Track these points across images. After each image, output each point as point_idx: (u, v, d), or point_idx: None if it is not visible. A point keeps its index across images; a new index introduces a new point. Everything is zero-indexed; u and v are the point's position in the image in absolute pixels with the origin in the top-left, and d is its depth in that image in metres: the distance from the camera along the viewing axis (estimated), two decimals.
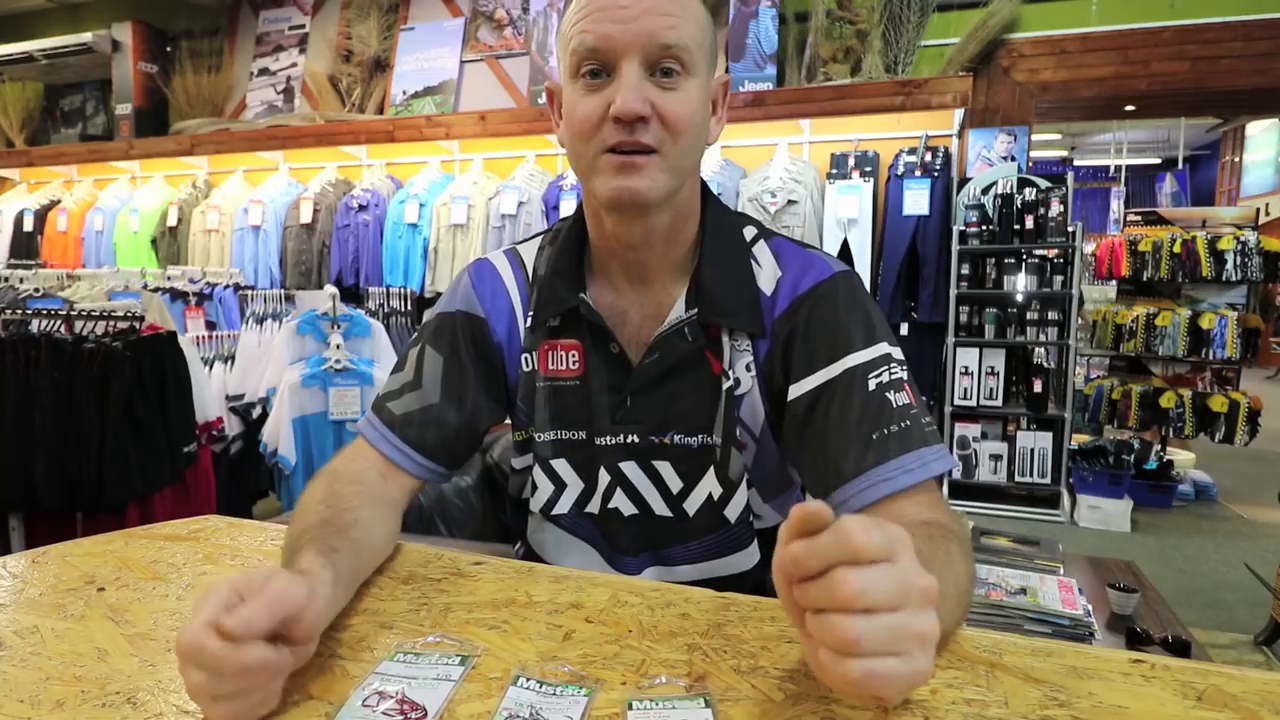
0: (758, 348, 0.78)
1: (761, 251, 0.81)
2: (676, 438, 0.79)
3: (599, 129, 0.70)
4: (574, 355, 0.81)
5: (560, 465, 0.83)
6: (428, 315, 0.91)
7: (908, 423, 0.69)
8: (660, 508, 0.81)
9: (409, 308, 3.66)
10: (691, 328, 0.77)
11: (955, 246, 3.52)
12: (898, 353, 0.73)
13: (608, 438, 0.81)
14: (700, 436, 0.79)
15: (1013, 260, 3.60)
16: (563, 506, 0.84)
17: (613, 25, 0.68)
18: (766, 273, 0.79)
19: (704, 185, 0.82)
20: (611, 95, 0.68)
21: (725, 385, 0.78)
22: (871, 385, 0.70)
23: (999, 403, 3.62)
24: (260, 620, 0.46)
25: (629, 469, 0.81)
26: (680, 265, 0.80)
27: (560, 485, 0.83)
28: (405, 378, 0.84)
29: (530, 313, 0.84)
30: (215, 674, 0.44)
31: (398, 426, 0.81)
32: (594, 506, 0.83)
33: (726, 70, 3.83)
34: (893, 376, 0.71)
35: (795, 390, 0.74)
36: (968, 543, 0.63)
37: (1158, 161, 10.94)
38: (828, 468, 0.71)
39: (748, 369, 0.78)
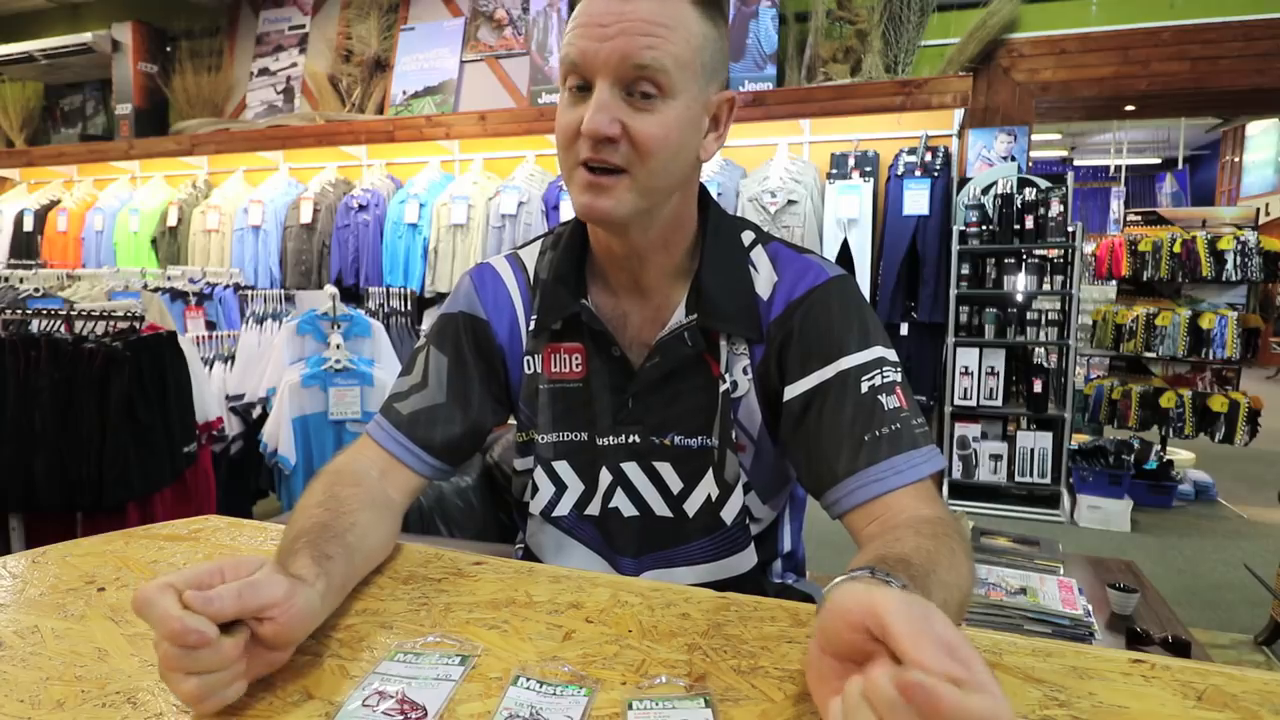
0: (754, 352, 0.79)
1: (759, 256, 0.81)
2: (677, 439, 0.80)
3: (575, 141, 0.70)
4: (577, 358, 0.82)
5: (562, 467, 0.84)
6: (429, 318, 0.91)
7: (898, 425, 0.70)
8: (661, 508, 0.81)
9: (409, 308, 3.66)
10: (691, 332, 0.78)
11: (955, 246, 3.52)
12: (892, 355, 0.74)
13: (610, 438, 0.81)
14: (700, 438, 0.79)
15: (1013, 260, 3.60)
16: (563, 508, 0.84)
17: (591, 42, 0.67)
18: (763, 277, 0.80)
19: (704, 190, 0.83)
20: (585, 111, 0.69)
21: (722, 389, 0.78)
22: (864, 388, 0.71)
23: (999, 403, 3.62)
24: (224, 600, 0.46)
25: (630, 469, 0.81)
26: (680, 270, 0.81)
27: (561, 487, 0.84)
28: (413, 379, 0.85)
29: (532, 316, 0.84)
30: (159, 635, 0.45)
31: (405, 425, 0.81)
32: (594, 508, 0.83)
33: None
34: (885, 380, 0.72)
35: (790, 392, 0.75)
36: (967, 540, 0.64)
37: (1158, 161, 10.94)
38: (821, 468, 0.72)
39: (744, 372, 0.79)
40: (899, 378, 0.73)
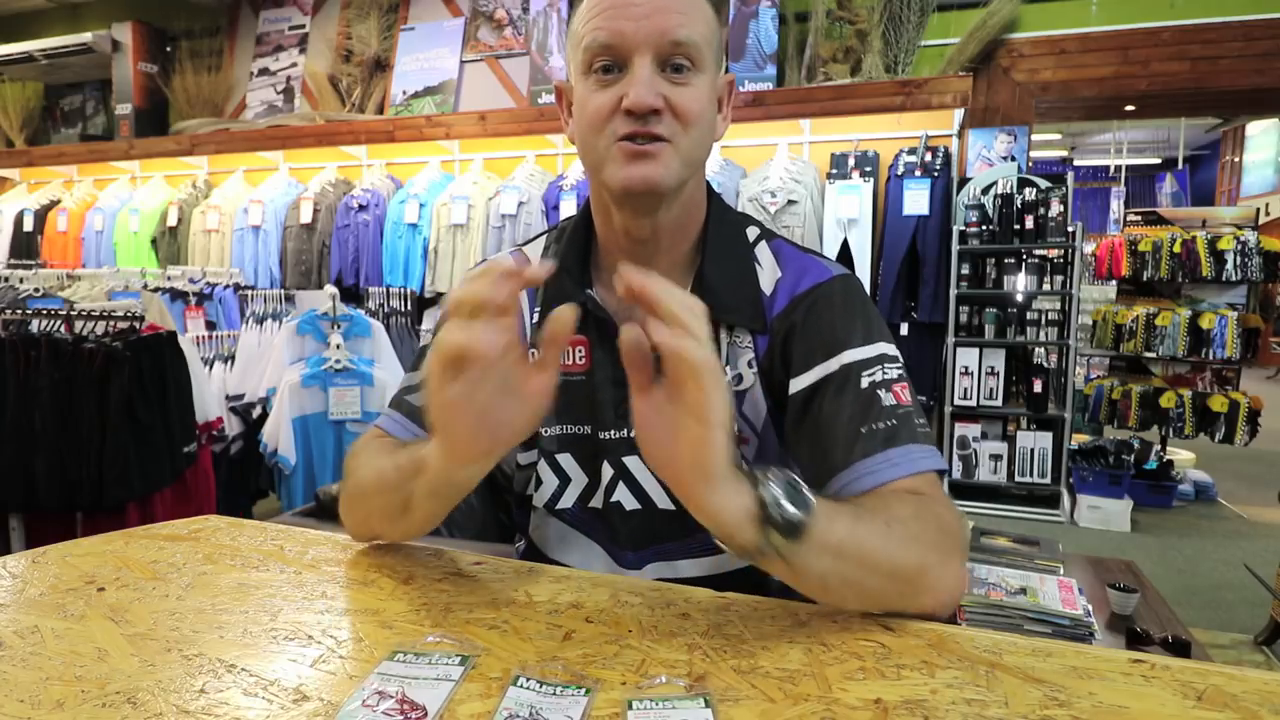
0: (757, 344, 0.79)
1: (763, 252, 0.82)
2: None
3: (610, 121, 0.71)
4: (580, 351, 0.82)
5: (565, 460, 0.84)
6: (429, 318, 0.91)
7: (894, 421, 0.70)
8: (663, 501, 0.81)
9: (409, 308, 3.66)
10: None
11: (955, 246, 3.52)
12: (894, 352, 0.75)
13: (612, 432, 0.81)
14: None
15: (1013, 260, 3.60)
16: (567, 501, 0.84)
17: (626, 22, 0.69)
18: (767, 273, 0.81)
19: (706, 183, 0.83)
20: (624, 89, 0.70)
21: None
22: (864, 383, 0.72)
23: (999, 403, 3.62)
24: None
25: (632, 463, 0.81)
26: (685, 261, 0.81)
27: (565, 480, 0.84)
28: (424, 374, 0.84)
29: (536, 308, 0.84)
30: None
31: (419, 416, 0.81)
32: (598, 501, 0.83)
33: (726, 70, 3.83)
34: (886, 376, 0.72)
35: (794, 385, 0.76)
36: (940, 524, 0.63)
37: (1158, 161, 10.95)
38: (819, 462, 0.72)
39: (749, 365, 0.79)
40: (899, 374, 0.73)
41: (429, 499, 0.67)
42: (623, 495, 0.82)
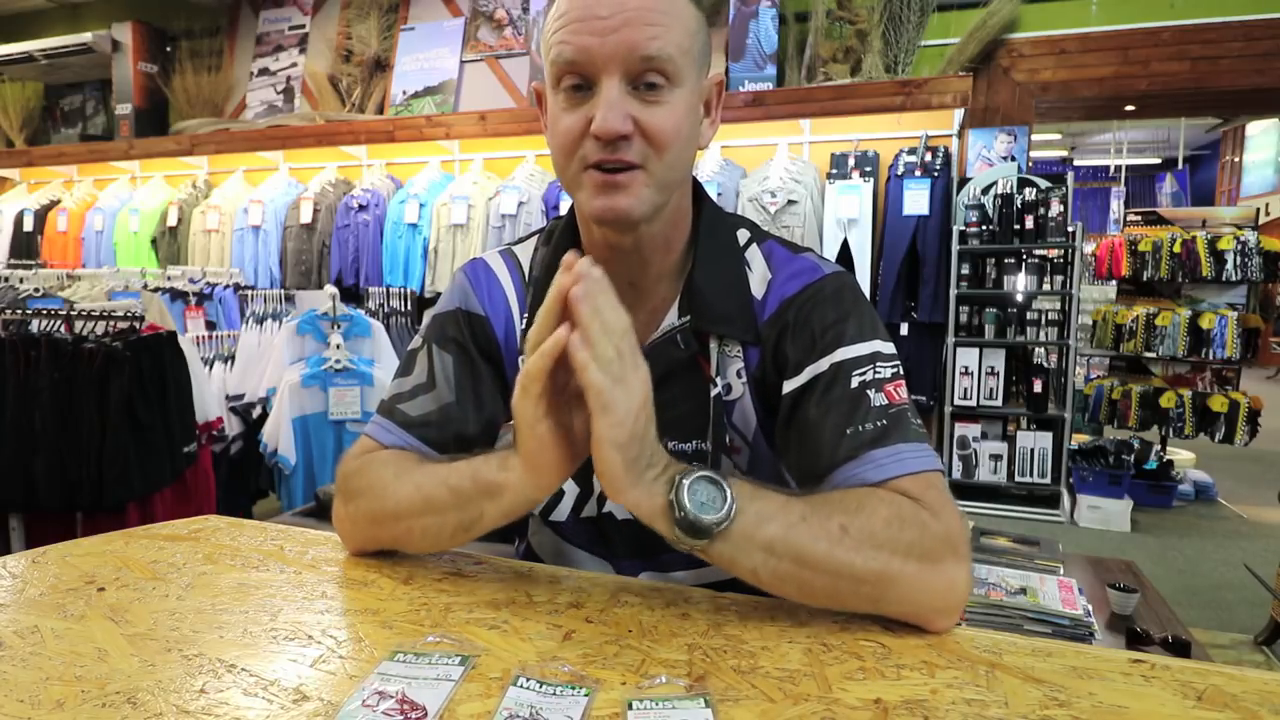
0: (748, 354, 0.77)
1: (754, 255, 0.80)
2: (671, 444, 0.78)
3: (580, 144, 0.68)
4: None
5: None
6: (427, 318, 0.89)
7: (885, 421, 0.67)
8: None
9: (409, 308, 3.66)
10: (684, 335, 0.76)
11: (955, 246, 3.52)
12: (888, 350, 0.72)
13: None
14: (694, 442, 0.78)
15: (1013, 260, 3.60)
16: (560, 512, 0.83)
17: (591, 38, 0.65)
18: (757, 276, 0.78)
19: (699, 187, 0.81)
20: (592, 110, 0.66)
21: (714, 392, 0.77)
22: (854, 383, 0.70)
23: (999, 403, 3.62)
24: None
25: None
26: (674, 270, 0.79)
27: (559, 491, 0.83)
28: (416, 380, 0.81)
29: (525, 314, 0.83)
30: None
31: (415, 427, 0.78)
32: (591, 511, 0.82)
33: (726, 70, 3.83)
34: (877, 375, 0.70)
35: (787, 386, 0.74)
36: (923, 530, 0.61)
37: (1158, 161, 10.96)
38: (807, 464, 0.70)
39: (738, 375, 0.78)
40: (892, 374, 0.71)
41: (502, 519, 0.68)
42: (615, 505, 0.81)
